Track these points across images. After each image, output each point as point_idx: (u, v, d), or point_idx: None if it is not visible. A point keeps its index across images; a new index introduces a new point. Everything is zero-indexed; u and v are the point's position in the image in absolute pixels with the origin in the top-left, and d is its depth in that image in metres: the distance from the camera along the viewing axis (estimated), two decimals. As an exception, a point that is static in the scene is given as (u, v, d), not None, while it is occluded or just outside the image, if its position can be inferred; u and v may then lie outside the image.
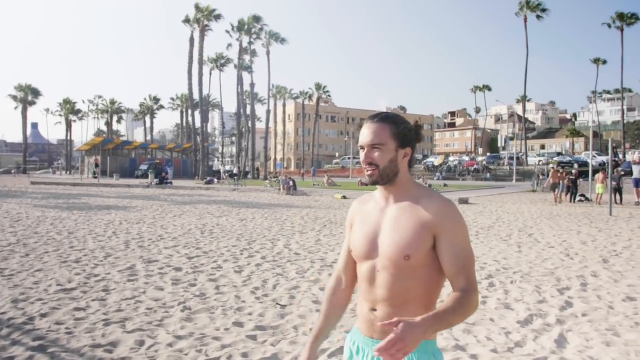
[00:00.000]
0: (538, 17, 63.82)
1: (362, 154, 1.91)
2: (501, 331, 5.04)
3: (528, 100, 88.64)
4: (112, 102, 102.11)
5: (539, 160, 58.63)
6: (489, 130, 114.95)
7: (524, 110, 73.26)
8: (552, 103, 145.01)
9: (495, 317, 5.50)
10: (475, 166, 60.52)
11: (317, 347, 2.10)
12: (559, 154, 69.10)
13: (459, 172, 58.02)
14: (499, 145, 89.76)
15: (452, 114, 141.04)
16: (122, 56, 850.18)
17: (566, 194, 25.54)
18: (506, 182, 48.04)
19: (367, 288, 1.91)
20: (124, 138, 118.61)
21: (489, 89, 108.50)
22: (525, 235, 12.26)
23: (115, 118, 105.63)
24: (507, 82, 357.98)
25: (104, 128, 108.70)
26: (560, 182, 25.46)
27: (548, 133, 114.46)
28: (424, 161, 69.91)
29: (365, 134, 1.90)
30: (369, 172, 1.89)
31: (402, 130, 1.91)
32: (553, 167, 30.38)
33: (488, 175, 54.93)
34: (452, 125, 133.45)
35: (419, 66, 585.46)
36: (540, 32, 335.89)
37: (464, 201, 22.93)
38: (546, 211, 19.28)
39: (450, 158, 75.53)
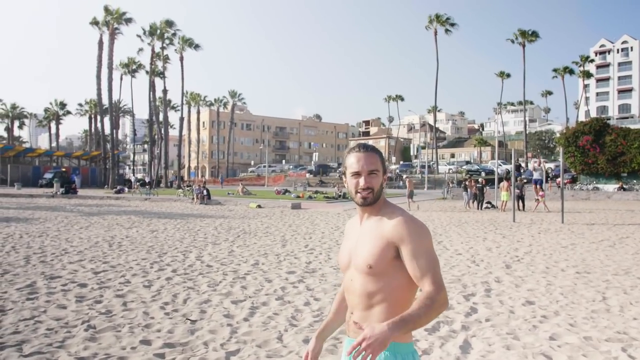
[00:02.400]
0: (447, 31, 66.85)
1: (359, 180, 2.16)
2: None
3: (439, 111, 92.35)
4: (14, 106, 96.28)
5: (449, 169, 61.17)
6: (402, 139, 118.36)
7: (435, 120, 76.33)
8: (462, 113, 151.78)
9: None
10: (389, 174, 62.04)
11: (324, 339, 2.49)
12: (467, 162, 72.46)
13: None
14: (411, 154, 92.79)
15: (367, 122, 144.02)
16: (24, 57, 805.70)
17: (473, 202, 26.80)
18: (418, 190, 49.48)
19: (348, 295, 2.22)
20: (27, 145, 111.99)
21: (402, 99, 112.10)
22: (435, 243, 12.65)
23: (17, 123, 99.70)
24: (419, 92, 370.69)
25: (4, 134, 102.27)
26: (469, 190, 26.75)
27: (458, 142, 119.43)
28: (339, 170, 70.95)
29: (362, 162, 2.16)
30: (365, 195, 2.15)
31: (383, 159, 2.23)
32: (471, 179, 32.11)
33: (401, 183, 56.48)
34: (366, 134, 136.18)
35: (335, 75, 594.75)
36: (450, 45, 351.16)
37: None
38: (455, 219, 20.10)
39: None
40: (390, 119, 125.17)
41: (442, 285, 1.99)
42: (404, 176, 39.70)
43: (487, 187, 30.04)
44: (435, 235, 14.45)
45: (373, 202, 2.16)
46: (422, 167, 61.80)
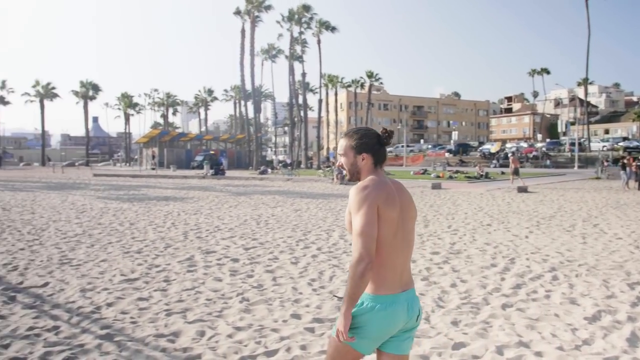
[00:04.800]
0: (600, -5, 61.06)
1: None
2: (567, 328, 4.86)
3: (590, 83, 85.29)
4: (168, 95, 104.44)
5: (603, 146, 56.50)
6: (548, 116, 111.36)
7: (586, 94, 70.64)
8: (617, 85, 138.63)
9: (561, 313, 5.31)
10: (534, 153, 58.87)
11: None
12: (625, 139, 66.25)
13: (517, 159, 56.42)
14: (559, 130, 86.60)
15: (509, 99, 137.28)
16: (176, 50, 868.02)
17: (635, 181, 24.57)
18: (567, 170, 46.53)
19: None
20: (180, 130, 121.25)
21: (548, 72, 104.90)
22: (590, 226, 11.82)
23: (171, 111, 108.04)
24: (568, 64, 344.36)
25: (161, 121, 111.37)
26: (628, 168, 24.57)
27: (613, 117, 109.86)
28: (480, 148, 68.43)
29: (338, 146, 2.66)
30: (344, 173, 2.68)
31: (357, 142, 2.59)
32: (512, 153, 31.71)
33: (548, 162, 53.30)
34: (509, 110, 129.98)
35: (474, 51, 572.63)
36: (603, 10, 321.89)
37: (522, 190, 22.31)
38: (612, 200, 18.55)
39: (508, 145, 73.68)
40: (535, 94, 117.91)
41: (362, 256, 2.29)
42: (509, 155, 39.50)
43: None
44: (590, 217, 13.43)
45: (353, 179, 2.62)
46: (572, 144, 57.74)
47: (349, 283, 2.31)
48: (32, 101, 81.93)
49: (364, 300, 2.45)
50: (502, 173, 38.08)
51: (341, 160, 2.64)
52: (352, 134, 2.64)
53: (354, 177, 2.60)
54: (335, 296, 5.92)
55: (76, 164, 78.97)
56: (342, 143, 2.63)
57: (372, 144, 2.59)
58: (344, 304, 2.34)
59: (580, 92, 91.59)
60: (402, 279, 2.54)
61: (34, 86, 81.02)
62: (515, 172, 26.77)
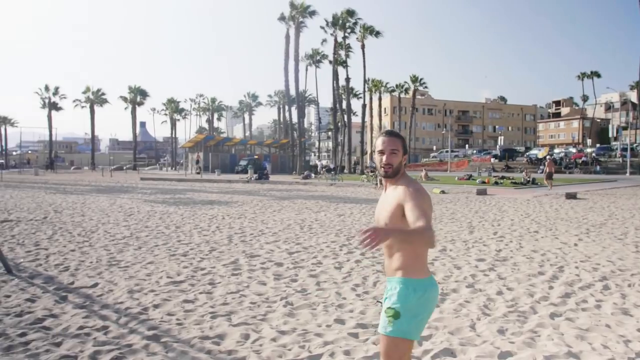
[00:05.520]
0: (654, -5, 58.93)
1: (382, 157, 2.84)
2: (619, 339, 4.69)
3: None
4: (213, 100, 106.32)
5: (657, 152, 54.45)
6: (598, 120, 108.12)
7: (639, 97, 68.18)
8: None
9: (612, 324, 5.14)
10: (583, 158, 57.21)
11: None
12: (679, 144, 63.77)
13: (566, 165, 54.99)
14: (610, 135, 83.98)
15: (557, 103, 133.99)
16: (222, 56, 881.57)
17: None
18: (619, 176, 45.05)
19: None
20: (224, 135, 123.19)
21: (598, 76, 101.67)
22: (642, 234, 11.40)
23: (215, 116, 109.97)
24: (619, 67, 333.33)
25: (206, 125, 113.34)
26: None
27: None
28: (527, 154, 66.92)
29: (386, 144, 2.84)
30: (385, 169, 2.84)
31: (404, 142, 2.88)
32: (549, 158, 31.61)
33: (598, 168, 51.74)
34: (557, 115, 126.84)
35: (522, 54, 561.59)
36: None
37: (571, 196, 21.71)
38: (665, 207, 17.84)
39: (556, 150, 71.86)
40: (585, 98, 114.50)
41: (431, 226, 2.57)
42: (547, 158, 39.86)
43: None
44: (644, 225, 12.95)
45: (392, 175, 2.84)
46: (623, 150, 55.87)
47: (411, 231, 2.54)
48: (82, 107, 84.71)
49: (414, 285, 2.73)
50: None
51: (387, 157, 2.82)
52: (399, 135, 2.92)
53: (396, 173, 2.85)
54: (379, 302, 5.88)
55: (124, 167, 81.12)
56: (395, 141, 2.84)
57: (407, 149, 2.95)
58: (398, 231, 2.58)
59: (632, 96, 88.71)
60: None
61: (84, 92, 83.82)
62: (549, 177, 27.33)
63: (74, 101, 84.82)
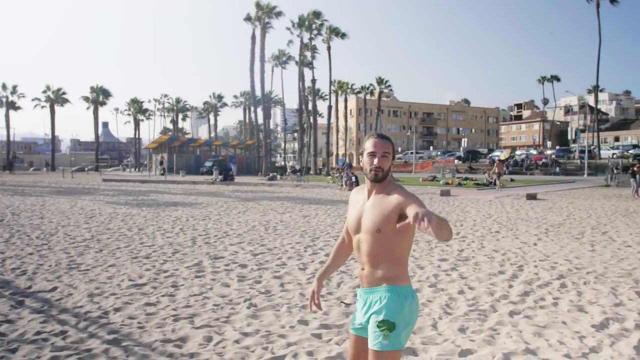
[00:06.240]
0: (612, 1, 60.57)
1: (373, 159, 2.68)
2: (575, 335, 4.83)
3: (601, 91, 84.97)
4: (178, 100, 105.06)
5: (613, 154, 56.14)
6: (558, 123, 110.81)
7: (596, 101, 70.25)
8: (628, 92, 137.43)
9: (568, 320, 5.28)
10: (543, 160, 58.58)
11: (324, 280, 3.14)
12: (635, 146, 65.86)
13: (527, 167, 56.24)
14: (569, 138, 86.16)
15: (519, 106, 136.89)
16: (186, 56, 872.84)
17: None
18: (577, 177, 46.26)
19: (357, 254, 2.77)
20: (189, 136, 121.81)
21: (558, 80, 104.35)
22: (599, 234, 11.74)
23: (180, 116, 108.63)
24: (578, 72, 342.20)
25: (170, 126, 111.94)
26: (638, 176, 24.42)
27: (623, 124, 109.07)
28: (489, 155, 68.10)
29: (378, 146, 2.69)
30: (375, 172, 2.67)
31: (394, 146, 2.77)
32: (498, 159, 35.21)
33: (557, 169, 53.02)
34: (518, 117, 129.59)
35: (485, 58, 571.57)
36: (614, 17, 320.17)
37: (532, 197, 22.21)
38: (621, 207, 18.42)
39: (517, 152, 73.38)
40: (545, 102, 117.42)
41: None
42: (495, 159, 41.66)
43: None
44: (599, 225, 13.34)
45: (382, 179, 2.68)
46: (582, 152, 57.40)
47: (441, 222, 2.29)
48: (42, 106, 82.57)
49: (403, 293, 2.63)
50: (512, 180, 37.88)
51: (379, 161, 2.67)
52: (389, 138, 2.79)
53: (385, 177, 2.70)
54: (343, 302, 5.93)
55: (86, 169, 79.48)
56: (387, 144, 2.71)
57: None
58: (440, 218, 2.30)
59: (590, 100, 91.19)
60: None
61: (44, 91, 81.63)
62: (498, 176, 29.25)
63: (33, 100, 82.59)
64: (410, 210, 2.45)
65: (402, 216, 2.55)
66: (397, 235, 2.60)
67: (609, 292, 6.41)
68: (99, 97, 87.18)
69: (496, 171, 29.63)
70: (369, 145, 2.71)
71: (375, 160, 2.67)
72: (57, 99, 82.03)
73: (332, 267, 3.09)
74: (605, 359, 4.29)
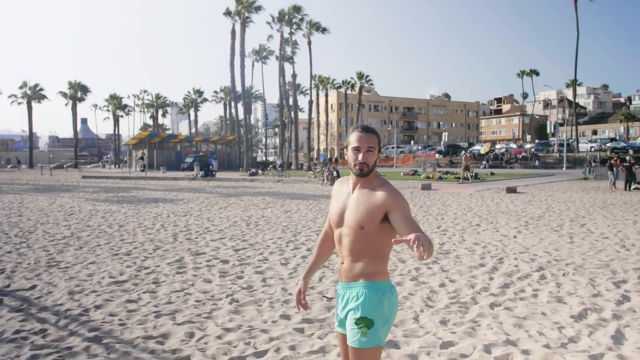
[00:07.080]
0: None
1: (358, 154, 2.59)
2: (554, 326, 4.90)
3: (579, 85, 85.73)
4: (158, 96, 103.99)
5: (591, 147, 56.83)
6: (537, 117, 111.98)
7: (575, 95, 71.03)
8: (605, 87, 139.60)
9: (548, 312, 5.36)
10: (523, 154, 59.14)
11: (310, 279, 3.07)
12: (612, 139, 66.78)
13: (507, 160, 56.73)
14: (548, 131, 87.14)
15: (499, 100, 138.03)
16: (166, 51, 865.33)
17: (626, 182, 24.78)
18: (556, 170, 46.83)
19: (338, 247, 2.72)
20: (170, 131, 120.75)
21: (537, 74, 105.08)
22: (577, 226, 11.91)
23: (160, 112, 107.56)
24: (556, 66, 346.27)
25: (150, 122, 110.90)
26: (615, 169, 24.81)
27: (601, 118, 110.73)
28: (470, 149, 68.57)
29: (363, 140, 2.60)
30: (360, 167, 2.59)
31: (379, 140, 2.67)
32: (465, 153, 35.68)
33: (537, 163, 53.55)
34: (498, 112, 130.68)
35: (465, 53, 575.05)
36: (591, 13, 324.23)
37: (511, 190, 22.44)
38: (599, 200, 18.70)
39: (497, 146, 74.00)
40: (525, 96, 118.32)
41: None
42: (462, 153, 41.98)
43: (637, 166, 27.61)
44: (578, 217, 13.53)
45: (367, 173, 2.60)
46: (560, 145, 58.08)
47: (431, 248, 2.20)
48: (19, 103, 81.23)
49: (381, 289, 2.58)
50: (492, 174, 38.21)
51: (363, 156, 2.58)
52: (375, 131, 2.67)
53: (370, 172, 2.61)
54: (325, 296, 5.94)
55: (65, 166, 78.45)
56: (372, 138, 2.61)
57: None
58: (430, 243, 2.20)
59: (568, 94, 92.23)
60: None
61: (21, 87, 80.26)
62: (466, 169, 30.94)
63: (10, 97, 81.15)
64: (396, 219, 2.45)
65: (386, 217, 2.51)
66: (380, 233, 2.55)
67: (587, 283, 6.51)
68: (77, 93, 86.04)
69: (464, 164, 31.16)
70: (353, 139, 2.62)
71: (360, 156, 2.58)
72: (34, 95, 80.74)
73: (317, 264, 3.02)
74: (583, 349, 4.35)
